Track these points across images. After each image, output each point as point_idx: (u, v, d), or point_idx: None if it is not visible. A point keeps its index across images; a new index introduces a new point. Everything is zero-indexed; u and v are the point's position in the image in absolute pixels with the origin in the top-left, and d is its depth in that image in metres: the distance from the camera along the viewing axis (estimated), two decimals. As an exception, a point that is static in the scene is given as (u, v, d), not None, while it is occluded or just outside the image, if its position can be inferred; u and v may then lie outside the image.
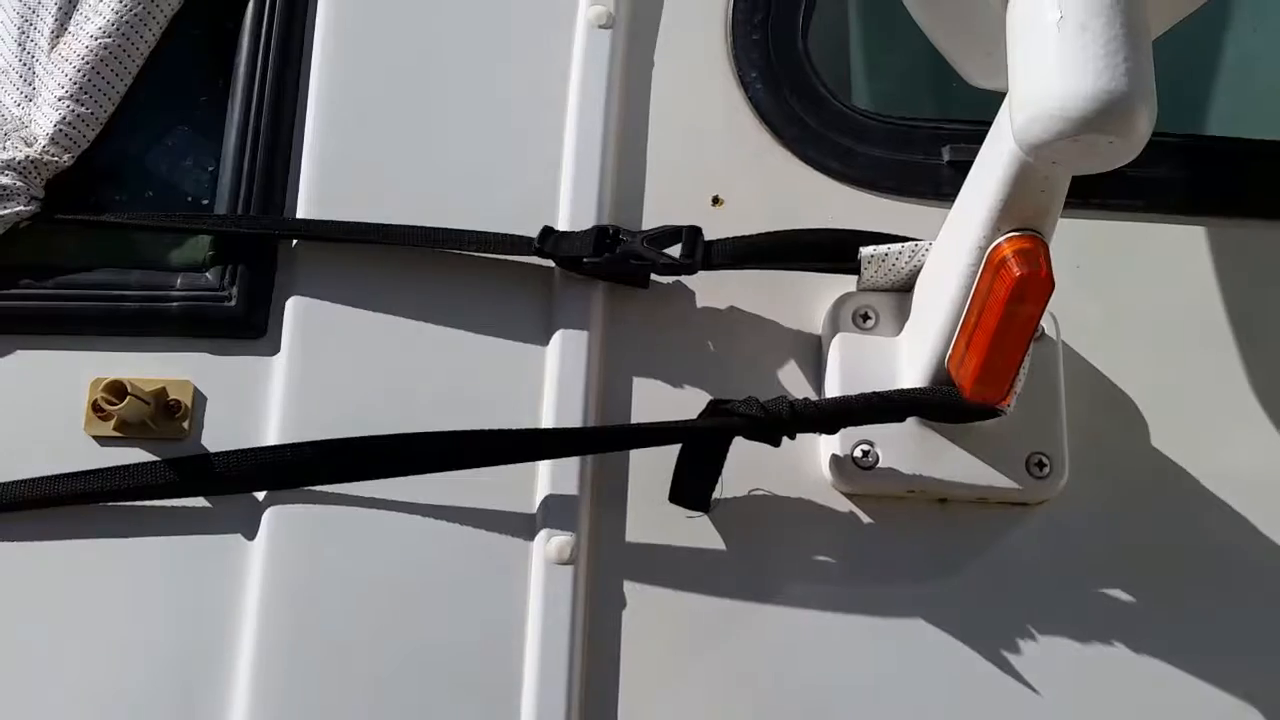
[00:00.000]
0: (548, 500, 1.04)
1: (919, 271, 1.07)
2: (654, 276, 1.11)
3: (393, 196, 1.13)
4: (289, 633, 1.00)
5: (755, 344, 1.12)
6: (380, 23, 1.19)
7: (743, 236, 1.10)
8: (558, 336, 1.09)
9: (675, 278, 1.12)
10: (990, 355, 0.92)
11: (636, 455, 1.07)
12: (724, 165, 1.17)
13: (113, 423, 1.04)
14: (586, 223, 1.11)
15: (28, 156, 1.09)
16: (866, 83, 1.42)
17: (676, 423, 1.03)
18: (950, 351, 0.98)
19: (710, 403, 1.03)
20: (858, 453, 1.05)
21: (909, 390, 1.01)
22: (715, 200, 1.16)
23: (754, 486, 1.08)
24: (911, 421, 1.04)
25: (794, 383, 1.11)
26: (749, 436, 1.02)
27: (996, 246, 0.89)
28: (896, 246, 1.07)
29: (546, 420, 1.07)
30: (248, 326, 1.09)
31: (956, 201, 0.99)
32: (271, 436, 1.06)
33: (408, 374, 1.08)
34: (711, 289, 1.12)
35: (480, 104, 1.17)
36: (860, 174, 1.17)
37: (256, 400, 1.07)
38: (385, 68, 1.17)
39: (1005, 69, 0.82)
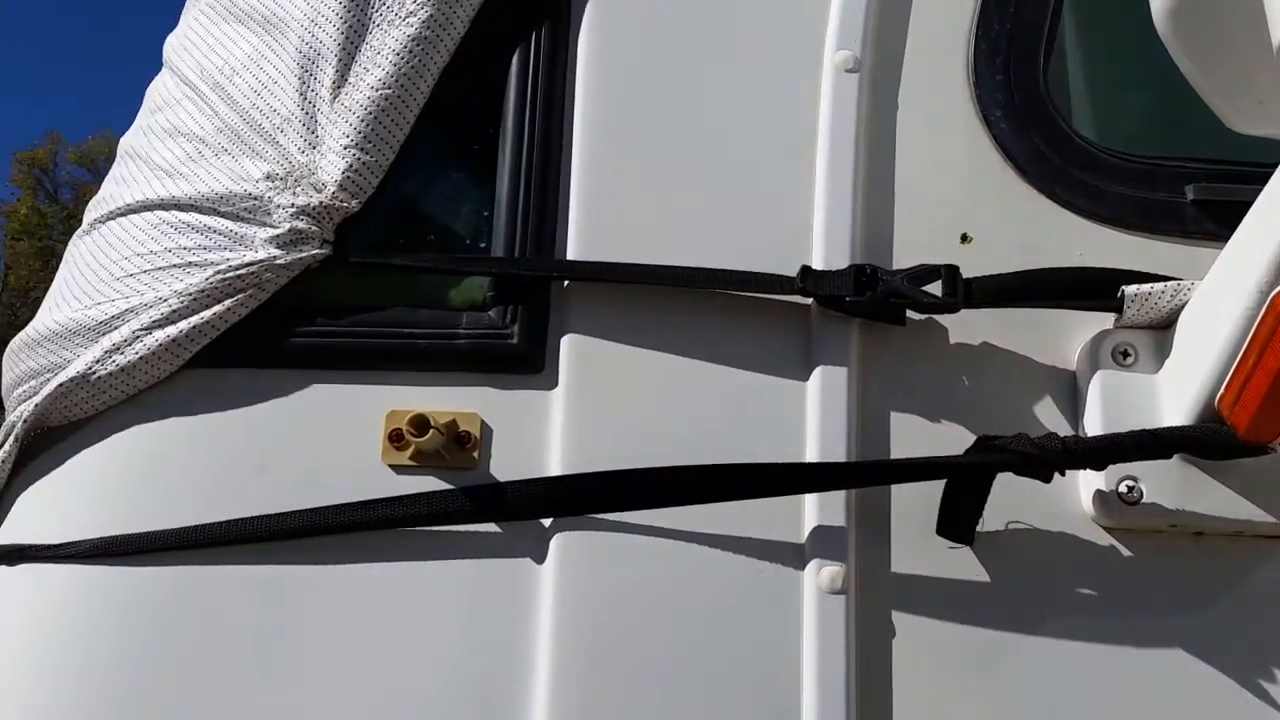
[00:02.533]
0: (817, 531, 1.09)
1: (1179, 310, 1.09)
2: (908, 313, 1.15)
3: (654, 237, 1.19)
4: (583, 653, 1.06)
5: (1009, 379, 1.15)
6: (636, 71, 1.24)
7: (1001, 275, 1.13)
8: (818, 372, 1.14)
9: (928, 315, 1.15)
10: (1270, 396, 0.94)
11: (897, 487, 1.12)
12: (971, 203, 1.20)
13: (409, 452, 1.12)
14: (840, 261, 1.16)
15: (320, 203, 1.17)
16: (1089, 119, 1.43)
17: (948, 458, 1.07)
18: (1223, 391, 1.00)
19: (979, 439, 1.07)
20: (1122, 488, 1.08)
21: (1181, 428, 1.04)
22: (964, 238, 1.19)
23: (1010, 519, 1.11)
24: (1175, 457, 1.07)
25: (1049, 417, 1.14)
26: (1019, 472, 1.05)
27: (1280, 292, 0.91)
28: (1159, 285, 1.09)
29: (810, 453, 1.11)
30: (528, 362, 1.15)
31: (1230, 243, 1.01)
32: (553, 465, 1.12)
33: (676, 407, 1.14)
34: (964, 325, 1.16)
35: (733, 147, 1.22)
36: (1106, 211, 1.19)
37: (537, 431, 1.14)
38: (642, 115, 1.23)
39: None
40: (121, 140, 1.37)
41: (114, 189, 1.27)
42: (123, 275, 1.19)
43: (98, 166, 30.44)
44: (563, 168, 1.21)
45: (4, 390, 1.30)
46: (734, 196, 1.20)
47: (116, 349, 1.15)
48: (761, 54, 1.25)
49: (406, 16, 1.21)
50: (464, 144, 1.26)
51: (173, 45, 1.36)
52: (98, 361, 1.15)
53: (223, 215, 1.18)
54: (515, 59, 1.25)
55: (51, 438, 1.20)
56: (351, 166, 1.18)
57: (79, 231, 1.29)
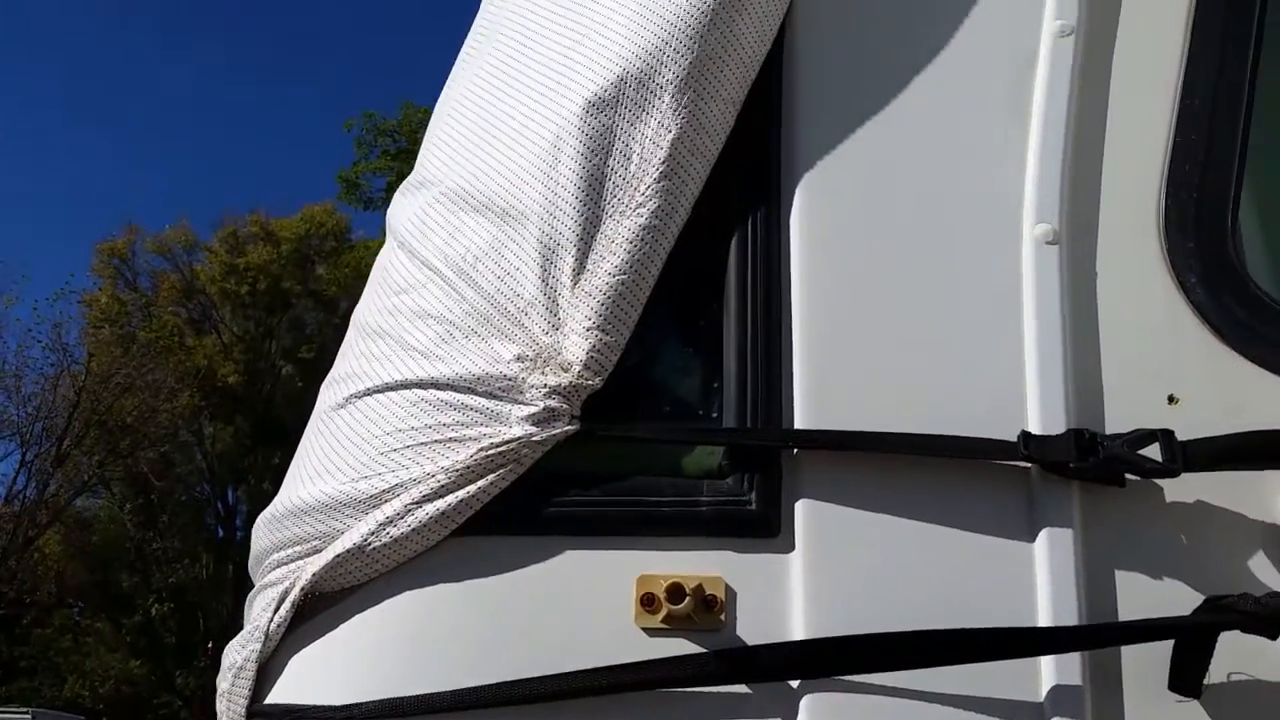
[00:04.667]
0: (1055, 690, 1.15)
1: (1391, 471, 1.16)
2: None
3: (874, 404, 1.28)
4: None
5: (1224, 537, 1.22)
6: (847, 247, 1.34)
7: (1215, 438, 1.20)
8: (1044, 535, 1.21)
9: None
10: None
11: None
12: (1173, 366, 1.28)
13: (661, 615, 1.21)
14: (1057, 425, 1.24)
15: (569, 382, 1.27)
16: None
17: (1179, 619, 1.14)
18: None
19: (1206, 599, 1.14)
20: (1345, 644, 1.13)
21: None
22: (1171, 399, 1.26)
23: (1233, 671, 1.17)
24: (1398, 615, 1.12)
25: (1265, 573, 1.20)
26: (1246, 630, 1.12)
27: None
28: (1370, 449, 1.16)
29: (1042, 614, 1.18)
30: (766, 527, 1.24)
31: None
32: (795, 627, 1.20)
33: (908, 569, 1.22)
34: (1178, 484, 1.23)
35: (944, 318, 1.31)
36: (1303, 371, 1.26)
37: (777, 593, 1.22)
38: (856, 290, 1.33)
39: None
40: (357, 314, 1.50)
41: (364, 365, 1.39)
42: (387, 450, 1.30)
43: (174, 255, 31.38)
44: (784, 341, 1.31)
45: (259, 554, 1.41)
46: (948, 364, 1.29)
47: (390, 522, 1.25)
48: (965, 228, 1.34)
49: (637, 208, 1.33)
50: (692, 319, 1.36)
51: (406, 227, 1.48)
52: (372, 534, 1.26)
53: (478, 394, 1.29)
54: (735, 239, 1.35)
55: (321, 603, 1.31)
56: (594, 347, 1.28)
57: (330, 404, 1.41)
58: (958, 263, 1.33)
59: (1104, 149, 1.36)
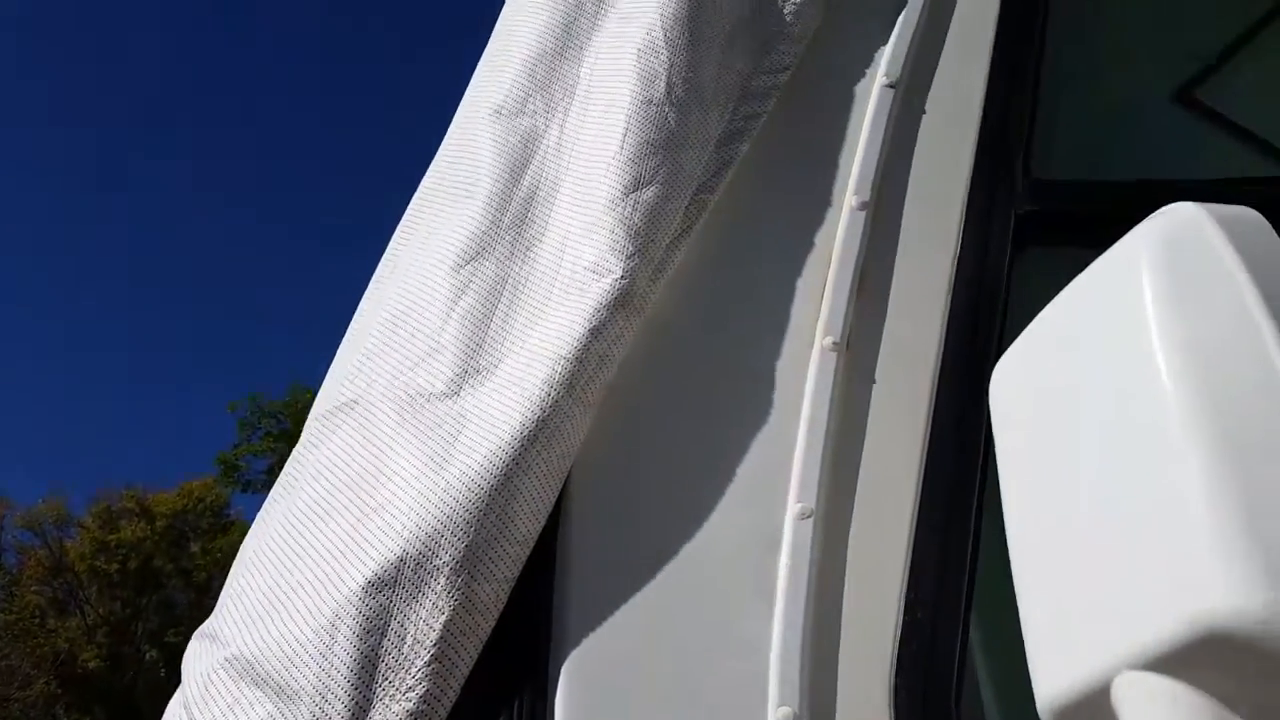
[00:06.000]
0: None
1: None
2: None
3: None
4: None
5: None
6: (614, 664, 1.43)
7: None
8: None
9: None
10: None
11: None
12: None
13: None
14: None
15: None
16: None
17: None
18: None
19: None
20: None
21: None
22: None
23: None
24: None
25: None
26: None
27: None
28: None
29: None
30: None
31: None
32: None
33: None
34: None
35: None
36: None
37: None
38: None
39: None
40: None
41: None
42: None
43: (45, 531, 30.14)
44: None
45: None
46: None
47: None
48: (715, 699, 1.44)
49: (406, 691, 1.39)
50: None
51: (193, 689, 1.52)
52: None
53: None
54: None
55: None
56: None
57: None
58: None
59: (841, 632, 1.49)
